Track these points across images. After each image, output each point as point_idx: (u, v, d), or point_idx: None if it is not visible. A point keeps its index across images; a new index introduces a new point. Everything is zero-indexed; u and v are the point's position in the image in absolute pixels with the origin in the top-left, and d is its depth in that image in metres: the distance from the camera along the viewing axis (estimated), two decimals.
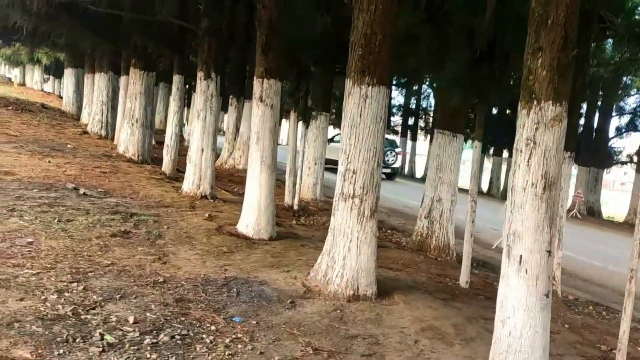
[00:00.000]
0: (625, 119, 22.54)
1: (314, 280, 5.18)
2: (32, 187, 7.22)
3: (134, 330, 3.72)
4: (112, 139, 14.15)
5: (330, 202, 11.74)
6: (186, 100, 19.74)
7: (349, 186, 5.03)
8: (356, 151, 4.98)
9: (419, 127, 29.71)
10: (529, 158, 3.32)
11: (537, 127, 3.28)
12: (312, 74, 9.28)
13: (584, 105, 19.72)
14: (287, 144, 12.60)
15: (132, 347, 3.47)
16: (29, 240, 5.18)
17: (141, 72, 11.35)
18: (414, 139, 29.98)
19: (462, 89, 5.70)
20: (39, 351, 3.23)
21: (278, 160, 7.27)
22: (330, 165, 13.85)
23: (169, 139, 10.61)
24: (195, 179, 8.63)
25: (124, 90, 13.25)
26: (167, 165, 10.57)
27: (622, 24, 8.03)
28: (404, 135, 29.65)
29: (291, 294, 4.91)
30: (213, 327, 3.99)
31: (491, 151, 24.06)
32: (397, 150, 21.79)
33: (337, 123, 19.67)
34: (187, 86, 18.31)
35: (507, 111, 20.38)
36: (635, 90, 20.18)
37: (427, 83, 24.06)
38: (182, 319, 4.05)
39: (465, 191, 9.55)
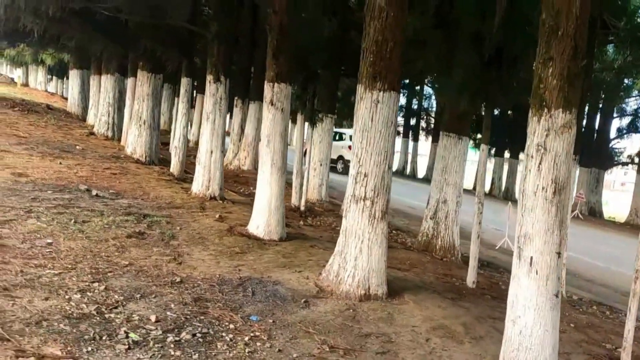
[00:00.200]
0: (626, 120, 22.71)
1: (326, 280, 5.32)
2: (46, 188, 7.35)
3: (157, 329, 3.86)
4: (119, 140, 14.28)
5: (334, 203, 11.96)
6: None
7: (361, 189, 5.16)
8: (367, 155, 5.11)
9: (420, 128, 29.84)
10: (540, 163, 3.45)
11: (548, 134, 3.42)
12: (318, 77, 9.41)
13: (586, 107, 19.84)
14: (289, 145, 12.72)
15: (156, 345, 3.61)
16: (48, 241, 5.31)
17: (149, 74, 11.48)
18: (416, 139, 30.11)
19: (470, 93, 5.83)
20: (68, 348, 3.36)
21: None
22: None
23: (177, 140, 10.74)
24: (205, 180, 8.76)
25: (130, 92, 13.39)
26: (175, 166, 10.70)
27: (625, 27, 8.15)
28: (405, 136, 29.78)
29: (304, 294, 5.04)
30: (232, 326, 4.13)
31: (493, 152, 24.18)
32: None
33: (337, 123, 19.82)
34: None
35: (509, 112, 20.50)
36: (636, 92, 20.30)
37: (429, 85, 24.19)
38: (202, 317, 4.18)
39: (468, 192, 9.68)
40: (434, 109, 28.22)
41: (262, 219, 6.89)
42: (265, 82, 6.86)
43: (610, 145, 22.80)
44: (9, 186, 7.11)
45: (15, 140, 10.77)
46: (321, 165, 11.28)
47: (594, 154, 21.14)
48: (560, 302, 3.73)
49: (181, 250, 5.85)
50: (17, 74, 38.17)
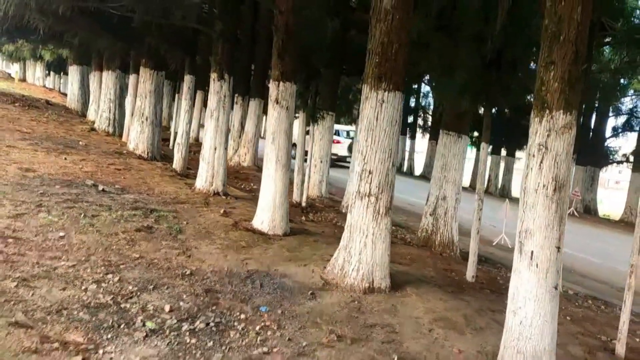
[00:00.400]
0: (622, 119, 22.94)
1: (331, 274, 5.48)
2: (53, 183, 7.47)
3: (171, 318, 4.02)
4: (120, 136, 14.40)
5: (334, 199, 12.12)
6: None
7: (366, 185, 5.32)
8: (372, 152, 5.27)
9: (417, 126, 30.00)
10: (541, 162, 3.62)
11: (549, 134, 3.59)
12: (320, 75, 9.56)
13: (583, 107, 20.07)
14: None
15: (172, 333, 3.78)
16: (61, 234, 5.46)
17: (151, 71, 11.61)
18: (413, 137, 30.28)
19: (471, 94, 5.99)
20: (89, 336, 3.52)
21: None
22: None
23: (180, 137, 10.88)
24: (208, 176, 8.91)
25: (132, 89, 13.51)
26: (177, 162, 10.84)
27: (622, 29, 8.32)
28: (403, 133, 29.90)
29: (310, 286, 5.21)
30: (242, 316, 4.29)
31: (490, 150, 24.37)
32: None
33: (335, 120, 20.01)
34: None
35: (506, 111, 20.69)
36: (632, 91, 20.52)
37: (427, 83, 24.33)
38: (214, 308, 4.35)
39: (464, 189, 9.85)
40: (431, 107, 28.39)
41: (267, 214, 7.04)
42: (271, 80, 7.01)
43: (606, 143, 23.04)
44: (18, 181, 7.23)
45: (20, 135, 10.88)
46: (321, 162, 11.44)
47: (589, 152, 21.36)
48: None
49: (189, 244, 6.00)
50: (14, 69, 38.12)
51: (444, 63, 6.19)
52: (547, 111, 3.59)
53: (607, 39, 8.27)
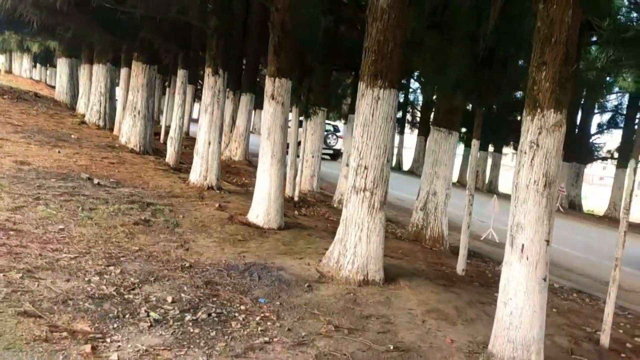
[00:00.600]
0: (607, 116, 23.35)
1: (326, 267, 5.62)
2: (49, 176, 7.53)
3: (174, 309, 4.13)
4: (111, 129, 14.40)
5: (325, 194, 12.25)
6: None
7: (361, 180, 5.46)
8: (368, 148, 5.41)
9: (406, 121, 30.22)
10: (532, 159, 3.78)
11: (540, 132, 3.75)
12: (313, 71, 9.67)
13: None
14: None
15: (175, 323, 3.89)
16: (60, 227, 5.54)
17: (144, 65, 11.63)
18: (402, 132, 30.49)
19: (464, 92, 6.15)
20: (96, 325, 3.62)
21: None
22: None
23: (173, 131, 10.94)
24: (202, 170, 8.99)
25: (124, 82, 13.51)
26: (170, 156, 10.90)
27: (609, 27, 8.50)
28: None
29: (307, 279, 5.34)
30: (243, 307, 4.41)
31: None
32: (338, 134, 23.30)
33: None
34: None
35: (494, 107, 20.95)
36: (617, 88, 20.87)
37: (415, 79, 24.52)
38: (214, 299, 4.46)
39: (453, 184, 10.03)
40: (420, 103, 28.62)
41: (262, 208, 7.16)
42: (267, 77, 7.12)
43: (591, 140, 23.42)
44: (14, 174, 7.28)
45: (11, 128, 10.87)
46: (313, 157, 11.56)
47: (575, 148, 21.69)
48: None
49: (186, 237, 6.11)
50: (0, 60, 37.68)
51: (437, 61, 6.34)
52: (539, 110, 3.75)
53: (594, 38, 8.43)
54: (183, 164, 11.27)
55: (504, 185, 26.31)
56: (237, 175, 12.74)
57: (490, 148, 25.08)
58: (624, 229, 4.93)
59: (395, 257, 7.01)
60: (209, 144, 8.95)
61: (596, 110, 23.13)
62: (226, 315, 4.19)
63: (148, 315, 3.92)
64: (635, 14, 13.20)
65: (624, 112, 22.20)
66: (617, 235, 5.01)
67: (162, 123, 17.00)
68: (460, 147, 23.64)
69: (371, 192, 5.44)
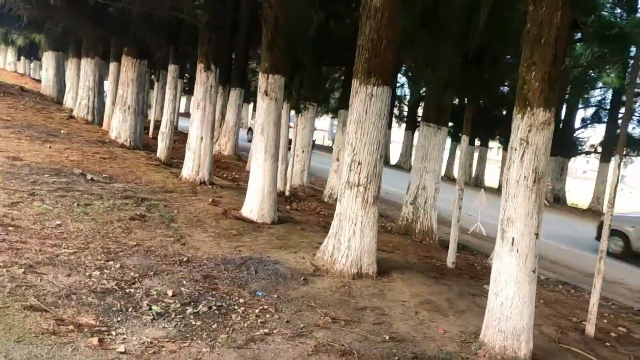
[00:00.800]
0: (591, 111, 23.73)
1: (321, 260, 5.75)
2: (42, 172, 7.55)
3: (175, 302, 4.23)
4: (100, 124, 14.36)
5: (315, 189, 12.37)
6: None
7: (355, 176, 5.58)
8: (362, 144, 5.53)
9: (393, 116, 30.36)
10: (522, 155, 3.94)
11: (530, 129, 3.90)
12: (305, 67, 9.76)
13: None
14: None
15: (177, 316, 3.99)
16: (57, 222, 5.59)
17: (134, 60, 11.63)
18: (389, 126, 30.62)
19: (454, 89, 6.29)
20: (101, 319, 3.72)
21: None
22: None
23: (164, 126, 10.96)
24: (195, 165, 9.06)
25: (113, 77, 13.47)
26: (162, 151, 10.94)
27: (594, 25, 8.69)
28: None
29: (302, 272, 5.47)
30: (241, 300, 4.52)
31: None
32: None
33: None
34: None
35: (480, 101, 21.14)
36: (600, 84, 21.21)
37: (403, 74, 24.65)
38: (213, 292, 4.57)
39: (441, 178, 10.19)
40: (408, 97, 28.78)
41: (256, 203, 7.26)
42: (260, 73, 7.20)
43: (575, 134, 23.78)
44: (7, 169, 7.29)
45: (1, 123, 10.82)
46: (303, 151, 11.66)
47: (559, 143, 21.98)
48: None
49: (182, 232, 6.20)
50: None
51: (428, 59, 6.47)
52: (529, 108, 3.90)
53: (578, 36, 8.61)
54: (174, 159, 11.31)
55: (489, 179, 26.64)
56: (227, 170, 12.80)
57: (477, 142, 25.36)
58: (608, 222, 5.12)
59: (387, 250, 7.16)
60: (202, 139, 9.01)
61: (580, 105, 23.50)
62: (226, 308, 4.29)
63: (150, 309, 4.02)
64: (619, 10, 13.49)
65: (608, 107, 22.58)
66: (603, 228, 5.20)
67: (151, 117, 16.98)
68: (448, 141, 23.85)
69: (365, 187, 5.57)
